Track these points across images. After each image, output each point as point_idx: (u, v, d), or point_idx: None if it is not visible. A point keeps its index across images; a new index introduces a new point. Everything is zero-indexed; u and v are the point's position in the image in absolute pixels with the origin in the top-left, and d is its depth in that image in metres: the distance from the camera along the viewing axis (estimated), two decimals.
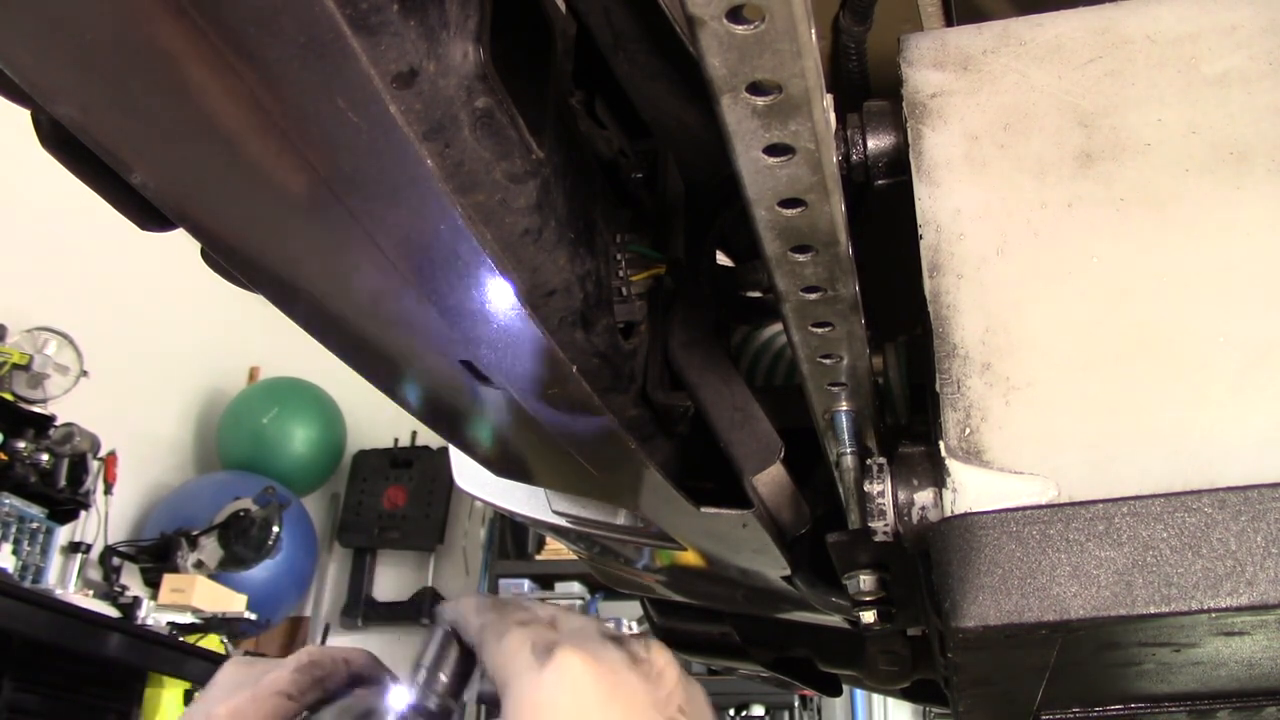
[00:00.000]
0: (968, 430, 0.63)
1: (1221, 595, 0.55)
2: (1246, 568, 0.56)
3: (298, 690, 0.97)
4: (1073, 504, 0.60)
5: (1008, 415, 0.63)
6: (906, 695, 1.97)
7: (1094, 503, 0.59)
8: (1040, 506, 0.60)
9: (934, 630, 0.68)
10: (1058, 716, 0.77)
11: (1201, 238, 0.65)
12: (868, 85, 0.96)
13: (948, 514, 0.62)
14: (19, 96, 0.53)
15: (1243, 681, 0.72)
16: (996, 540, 0.59)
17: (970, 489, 0.62)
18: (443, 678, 0.76)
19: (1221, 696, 0.74)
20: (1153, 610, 0.56)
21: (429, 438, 6.67)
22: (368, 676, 1.03)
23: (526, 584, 6.17)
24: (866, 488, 0.66)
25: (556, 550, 6.00)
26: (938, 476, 0.64)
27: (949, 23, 0.93)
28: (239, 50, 0.44)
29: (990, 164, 0.69)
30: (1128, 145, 0.68)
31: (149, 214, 0.61)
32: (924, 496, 0.65)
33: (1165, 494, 0.58)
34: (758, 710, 5.47)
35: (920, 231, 0.69)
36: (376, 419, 6.54)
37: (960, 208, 0.69)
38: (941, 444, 0.63)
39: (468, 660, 0.77)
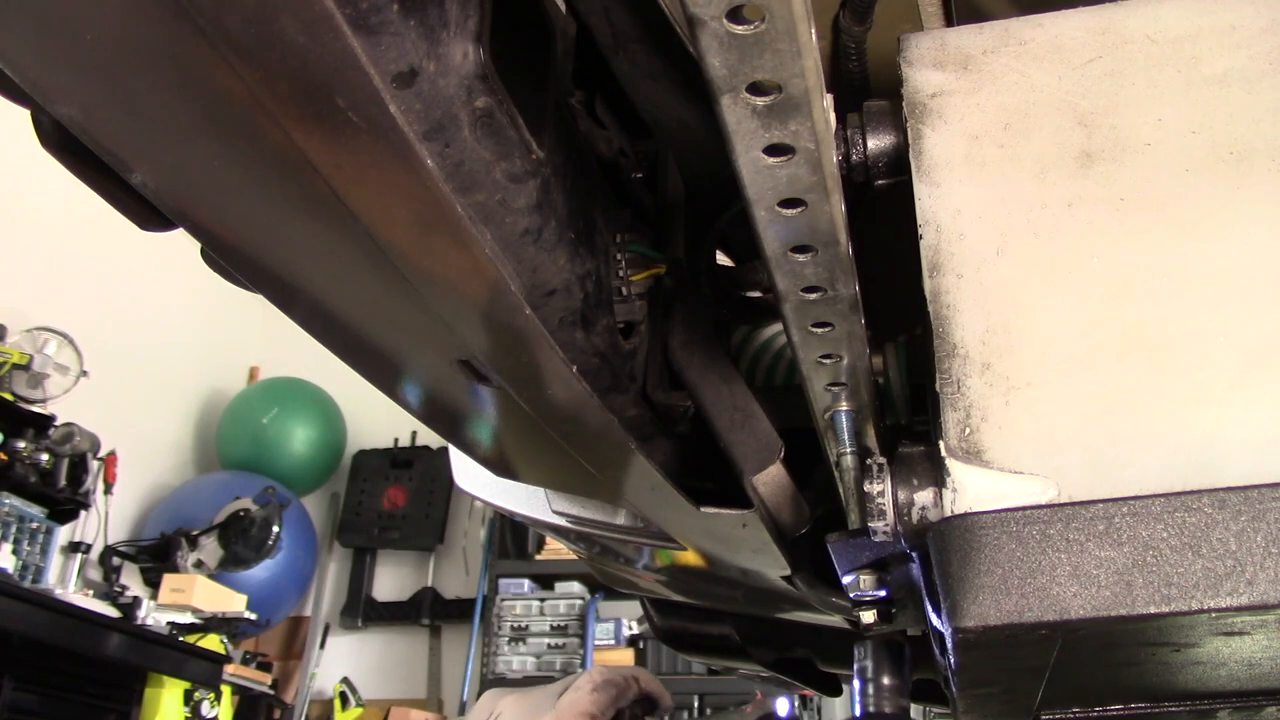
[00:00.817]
0: (968, 430, 0.63)
1: (1221, 595, 0.55)
2: (1246, 567, 0.56)
3: (599, 710, 1.00)
4: (1073, 504, 0.60)
5: (1008, 415, 0.63)
6: (910, 696, 1.97)
7: (1094, 503, 0.59)
8: (1040, 506, 0.60)
9: (933, 630, 0.68)
10: (1057, 716, 0.77)
11: (1202, 237, 0.65)
12: (868, 85, 0.96)
13: (948, 514, 0.61)
14: (19, 97, 0.53)
15: (1243, 681, 0.72)
16: (996, 540, 0.59)
17: (970, 489, 0.62)
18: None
19: (1221, 696, 0.74)
20: (1153, 610, 0.56)
21: (429, 438, 6.68)
22: (653, 693, 1.06)
23: (526, 584, 6.17)
24: (866, 487, 0.66)
25: (556, 550, 6.01)
26: (938, 476, 0.64)
27: (949, 23, 0.93)
28: (239, 50, 0.44)
29: (990, 164, 0.69)
30: (1128, 145, 0.68)
31: (149, 214, 0.61)
32: (924, 496, 0.65)
33: (1165, 494, 0.58)
34: None
35: (920, 231, 0.68)
36: (376, 419, 6.54)
37: (960, 208, 0.68)
38: (941, 444, 0.63)
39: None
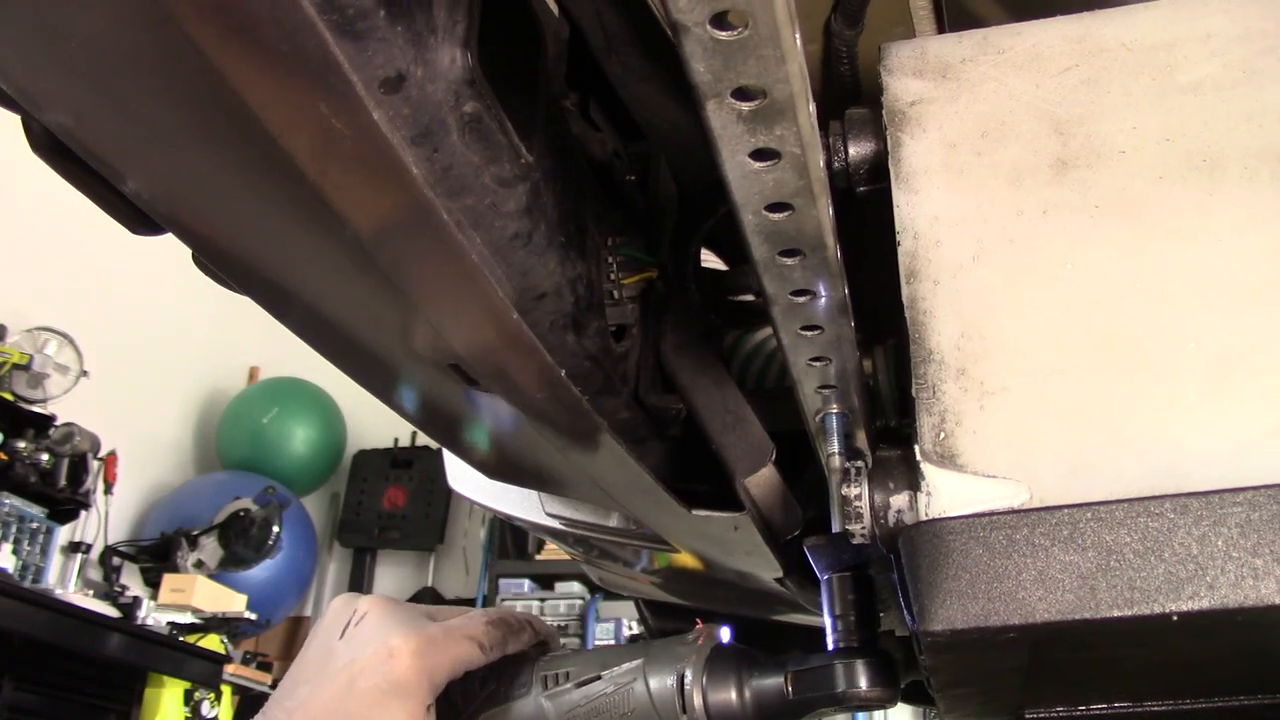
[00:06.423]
0: (942, 434, 0.64)
1: (1183, 599, 0.56)
2: (1208, 571, 0.56)
3: (489, 643, 0.97)
4: (1038, 509, 0.60)
5: (982, 420, 0.64)
6: (904, 698, 1.97)
7: (1059, 508, 0.60)
8: (1007, 512, 0.61)
9: (911, 633, 0.69)
10: (1041, 715, 0.77)
11: (1174, 244, 0.65)
12: (859, 89, 0.96)
13: (922, 517, 0.62)
14: (8, 103, 0.53)
15: (1222, 682, 0.73)
16: (964, 545, 0.60)
17: (944, 493, 0.63)
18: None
19: (1204, 696, 0.74)
20: (1116, 614, 0.56)
21: (429, 437, 6.68)
22: (546, 637, 1.04)
23: (526, 584, 6.18)
24: (844, 491, 0.66)
25: (556, 551, 6.01)
26: (913, 480, 0.64)
27: (941, 27, 0.93)
28: (222, 58, 0.44)
29: (967, 171, 0.70)
30: (1102, 152, 0.68)
31: (139, 218, 0.62)
32: (900, 500, 0.66)
33: (1128, 499, 0.59)
34: None
35: (898, 238, 0.69)
36: (376, 419, 6.55)
37: (937, 214, 0.69)
38: (917, 448, 0.64)
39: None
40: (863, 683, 0.84)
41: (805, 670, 0.86)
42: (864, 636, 0.85)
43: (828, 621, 0.86)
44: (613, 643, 5.85)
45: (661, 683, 0.90)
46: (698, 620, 0.97)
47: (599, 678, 0.94)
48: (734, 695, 0.88)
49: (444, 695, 0.95)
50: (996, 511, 0.60)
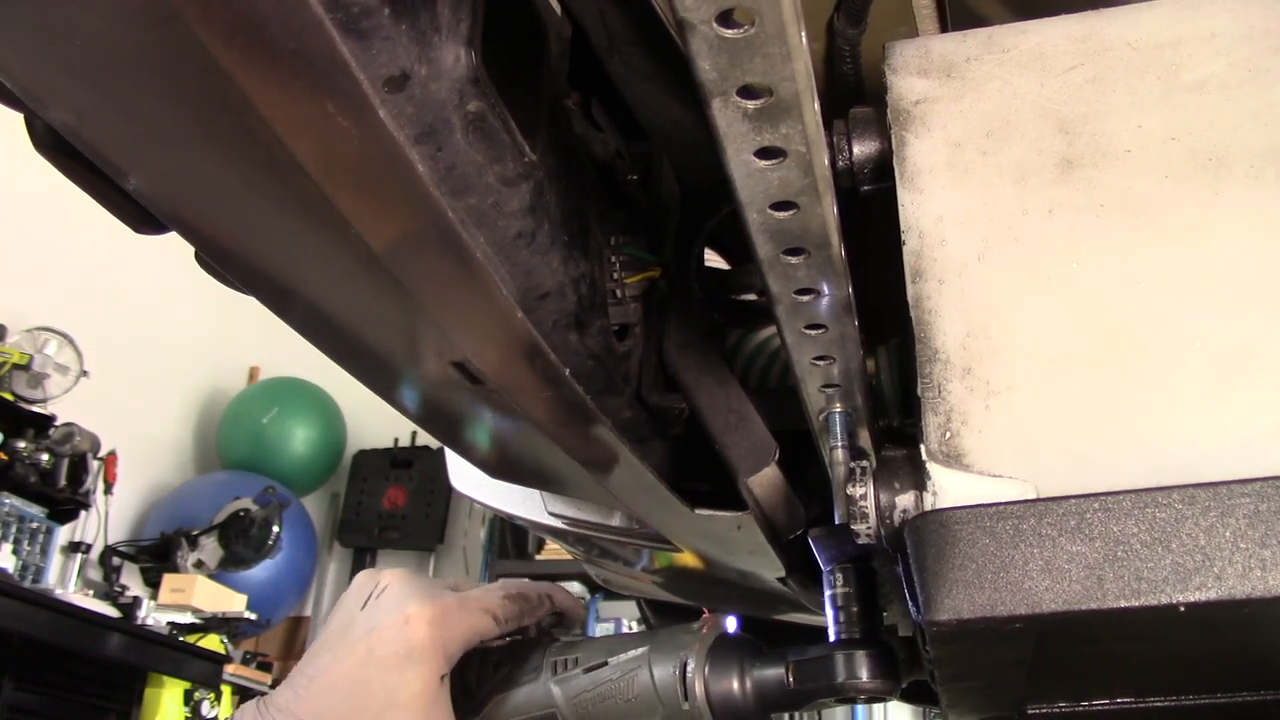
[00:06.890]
0: (948, 434, 0.64)
1: (1190, 590, 0.56)
2: (1215, 562, 0.56)
3: (504, 616, 0.99)
4: (1045, 500, 0.60)
5: (988, 419, 0.64)
6: (904, 697, 1.97)
7: (1066, 499, 0.60)
8: (1014, 502, 0.61)
9: (915, 626, 0.69)
10: (1044, 710, 0.77)
11: (1180, 243, 0.65)
12: (862, 88, 0.96)
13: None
14: (11, 101, 0.53)
15: (1225, 678, 0.73)
16: (970, 535, 0.60)
17: (950, 492, 0.63)
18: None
19: (1206, 693, 0.74)
20: (1123, 604, 0.57)
21: (429, 437, 6.65)
22: (566, 610, 1.05)
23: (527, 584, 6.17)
24: (849, 490, 0.66)
25: (557, 550, 6.01)
26: (918, 480, 0.65)
27: (944, 26, 0.93)
28: (229, 56, 0.44)
29: (972, 170, 0.70)
30: (1108, 151, 0.68)
31: (142, 216, 0.62)
32: (905, 499, 0.66)
33: (1136, 490, 0.59)
34: None
35: (903, 237, 0.69)
36: (376, 419, 6.55)
37: (942, 214, 0.69)
38: (923, 447, 0.64)
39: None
40: (863, 674, 0.85)
41: (806, 660, 0.87)
42: (865, 628, 0.85)
43: (829, 613, 0.86)
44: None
45: (665, 670, 0.92)
46: (704, 610, 0.99)
47: (606, 664, 0.95)
48: (735, 684, 0.90)
49: (460, 676, 0.96)
50: (1002, 502, 0.60)
